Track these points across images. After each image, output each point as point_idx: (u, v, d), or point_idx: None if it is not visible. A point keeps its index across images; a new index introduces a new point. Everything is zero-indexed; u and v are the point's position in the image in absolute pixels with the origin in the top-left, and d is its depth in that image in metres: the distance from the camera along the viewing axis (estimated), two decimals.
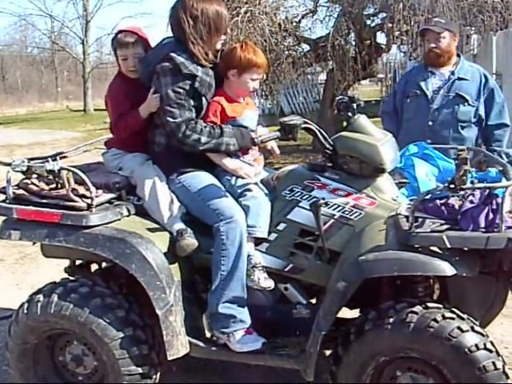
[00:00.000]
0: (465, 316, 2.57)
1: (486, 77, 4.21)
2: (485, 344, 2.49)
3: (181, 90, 2.98)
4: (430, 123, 4.11)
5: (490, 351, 2.49)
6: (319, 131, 2.91)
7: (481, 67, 4.42)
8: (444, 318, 2.52)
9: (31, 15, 37.97)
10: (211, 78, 3.08)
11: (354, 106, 3.11)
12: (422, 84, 4.23)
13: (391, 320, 2.56)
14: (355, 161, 2.89)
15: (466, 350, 2.45)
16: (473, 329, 2.52)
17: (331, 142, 2.93)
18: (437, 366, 2.55)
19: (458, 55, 4.30)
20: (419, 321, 2.51)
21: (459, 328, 2.49)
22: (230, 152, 3.04)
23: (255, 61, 3.07)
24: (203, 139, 2.95)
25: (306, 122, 2.86)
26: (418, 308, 2.56)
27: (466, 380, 2.47)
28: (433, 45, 4.16)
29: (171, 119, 2.96)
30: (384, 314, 2.60)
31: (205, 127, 2.99)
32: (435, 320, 2.50)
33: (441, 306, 2.61)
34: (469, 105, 4.14)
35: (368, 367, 2.64)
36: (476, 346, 2.47)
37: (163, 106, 3.00)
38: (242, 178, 3.03)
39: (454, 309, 2.60)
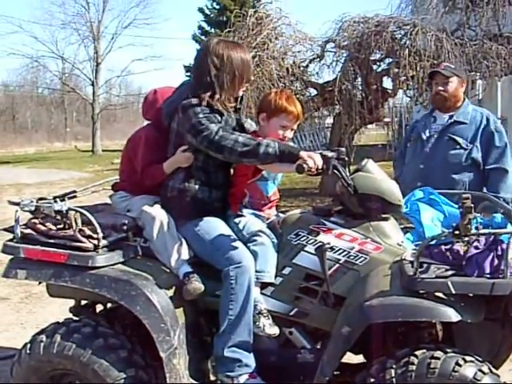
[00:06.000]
0: (479, 358, 2.54)
1: (487, 120, 4.15)
2: None
3: (211, 115, 2.95)
4: (422, 166, 4.12)
5: None
6: (343, 169, 2.88)
7: (487, 111, 4.35)
8: (465, 361, 2.48)
9: (43, 57, 38.49)
10: (233, 121, 3.13)
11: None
12: (421, 128, 4.27)
13: (414, 367, 2.48)
14: (375, 199, 2.89)
15: None
16: (491, 370, 2.51)
17: (351, 182, 2.88)
18: None
19: (464, 99, 4.28)
20: (443, 366, 2.46)
21: (481, 370, 2.47)
22: (269, 157, 2.81)
23: (285, 106, 3.05)
24: (241, 139, 2.85)
25: (338, 156, 2.87)
26: (438, 353, 2.50)
27: None
28: (440, 88, 4.16)
29: (206, 130, 2.89)
30: (405, 361, 2.52)
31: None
32: (458, 364, 2.46)
33: (456, 349, 2.57)
34: (461, 148, 4.09)
35: None
36: None
37: (195, 127, 2.92)
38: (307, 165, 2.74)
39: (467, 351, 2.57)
